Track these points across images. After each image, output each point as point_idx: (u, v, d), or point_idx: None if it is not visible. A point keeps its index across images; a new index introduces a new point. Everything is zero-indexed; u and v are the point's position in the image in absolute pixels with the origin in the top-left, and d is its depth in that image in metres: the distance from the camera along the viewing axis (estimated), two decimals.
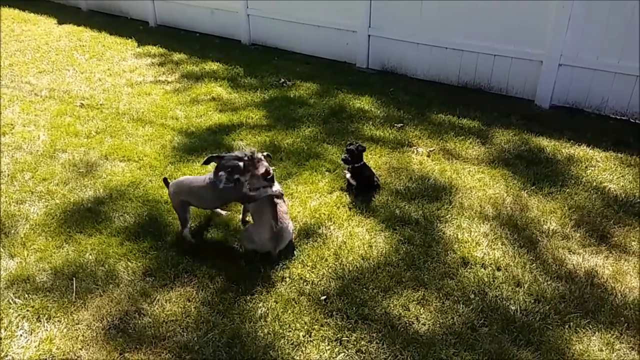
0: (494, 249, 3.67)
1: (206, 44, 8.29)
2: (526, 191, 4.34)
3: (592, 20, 5.46)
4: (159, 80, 6.78)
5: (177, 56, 7.71)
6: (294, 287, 3.35)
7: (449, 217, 4.02)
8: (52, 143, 5.12)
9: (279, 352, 2.90)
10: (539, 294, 3.27)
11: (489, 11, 6.05)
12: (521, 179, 4.51)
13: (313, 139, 5.24)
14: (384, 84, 6.70)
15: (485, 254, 3.63)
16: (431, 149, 5.04)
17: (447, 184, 4.46)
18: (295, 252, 3.65)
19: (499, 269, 3.49)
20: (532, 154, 4.93)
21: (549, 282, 3.37)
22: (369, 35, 7.08)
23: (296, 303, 3.22)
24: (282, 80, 6.78)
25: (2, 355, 2.86)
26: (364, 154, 4.36)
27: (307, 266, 3.54)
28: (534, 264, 3.53)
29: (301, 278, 3.43)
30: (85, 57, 7.59)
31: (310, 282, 3.40)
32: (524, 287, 3.33)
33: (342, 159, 4.28)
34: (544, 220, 3.97)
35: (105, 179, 4.52)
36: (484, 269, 3.50)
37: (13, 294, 3.27)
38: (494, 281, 3.39)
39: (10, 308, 3.17)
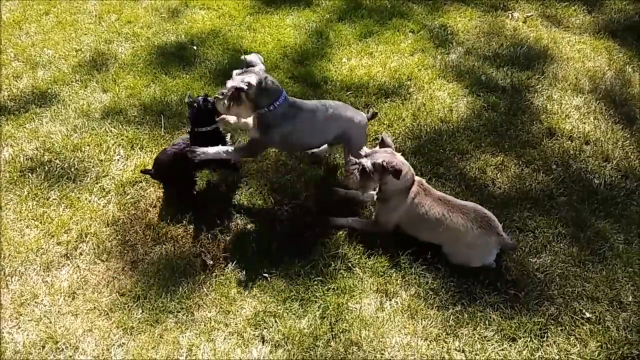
0: (584, 123, 3.46)
1: None
2: (631, 66, 3.93)
3: None
4: None
5: None
6: (369, 143, 3.36)
7: (540, 88, 3.77)
8: None
9: None
10: (627, 171, 3.12)
11: None
12: (628, 53, 4.07)
13: None
14: None
15: (574, 127, 3.43)
16: (529, 14, 4.57)
17: (542, 53, 4.11)
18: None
19: (587, 143, 3.32)
20: None
21: None
22: None
23: None
24: None
25: (103, 174, 3.17)
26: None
27: (384, 124, 3.51)
28: (627, 141, 3.31)
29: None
30: None
31: None
32: (612, 163, 3.17)
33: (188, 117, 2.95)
34: None
35: (186, 25, 4.52)
36: (571, 141, 3.33)
37: (109, 123, 3.51)
38: (580, 154, 3.24)
39: (107, 136, 3.43)
